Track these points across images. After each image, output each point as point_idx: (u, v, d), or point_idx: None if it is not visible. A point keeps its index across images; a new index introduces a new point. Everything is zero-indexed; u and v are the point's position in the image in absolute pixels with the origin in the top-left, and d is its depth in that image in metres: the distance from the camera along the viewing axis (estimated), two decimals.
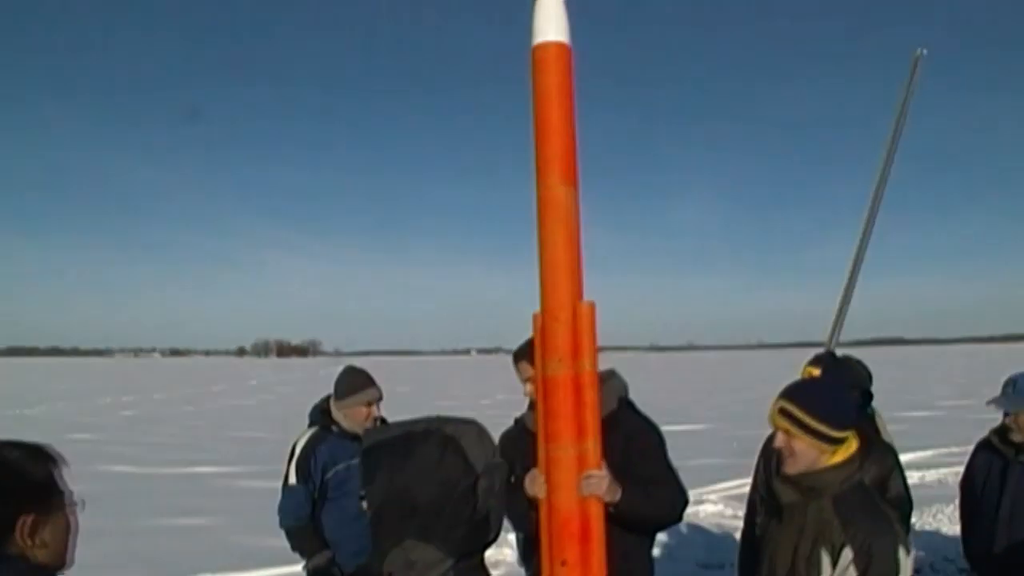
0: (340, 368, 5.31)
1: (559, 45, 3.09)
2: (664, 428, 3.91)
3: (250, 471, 15.97)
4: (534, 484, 3.27)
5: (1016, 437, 4.47)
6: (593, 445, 3.12)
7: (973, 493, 4.71)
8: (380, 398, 5.10)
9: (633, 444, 3.62)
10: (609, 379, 3.71)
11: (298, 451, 5.02)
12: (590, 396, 3.09)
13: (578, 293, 3.11)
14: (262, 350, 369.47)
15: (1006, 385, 4.51)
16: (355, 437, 4.94)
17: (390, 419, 4.76)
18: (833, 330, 6.77)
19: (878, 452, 4.30)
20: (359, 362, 6.15)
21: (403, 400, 34.15)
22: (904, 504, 4.32)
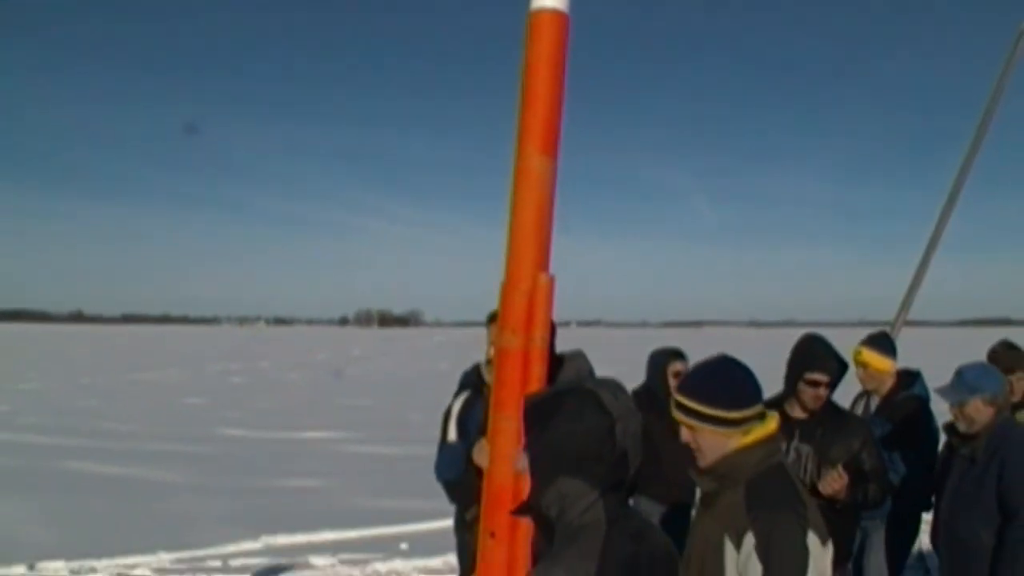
0: (441, 339, 5.58)
1: (555, 13, 2.98)
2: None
3: (355, 437, 16.58)
4: (480, 453, 3.32)
5: (961, 427, 4.43)
6: None
7: (937, 490, 4.73)
8: None
9: None
10: (573, 359, 3.68)
11: (455, 411, 5.26)
12: (538, 370, 3.02)
13: (543, 265, 3.03)
14: (364, 320, 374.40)
15: (955, 375, 4.45)
16: None
17: None
18: (900, 311, 6.68)
19: (848, 430, 4.51)
20: (459, 333, 6.41)
21: None
22: (884, 476, 4.56)
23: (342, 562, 8.04)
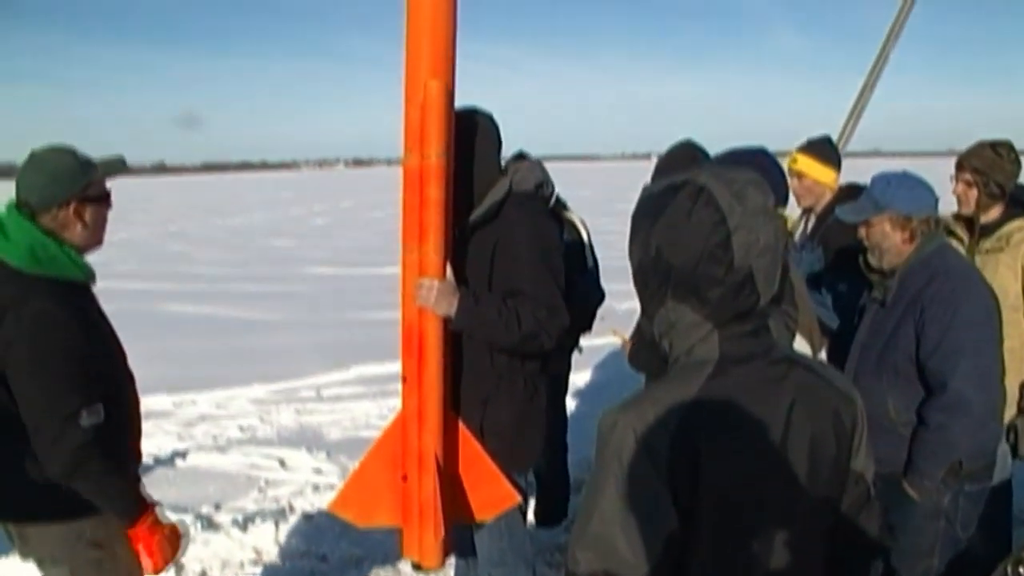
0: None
1: None
2: None
3: None
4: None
5: (872, 260, 3.38)
6: (434, 250, 2.80)
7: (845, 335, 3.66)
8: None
9: (502, 246, 3.05)
10: (512, 172, 3.19)
11: None
12: (434, 192, 2.74)
13: (437, 72, 2.72)
14: None
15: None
16: None
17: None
18: (845, 127, 6.22)
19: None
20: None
21: (585, 203, 34.55)
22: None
23: None
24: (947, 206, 4.08)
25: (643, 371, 3.50)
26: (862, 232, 3.38)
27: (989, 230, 3.92)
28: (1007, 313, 3.63)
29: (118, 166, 2.85)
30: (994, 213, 3.94)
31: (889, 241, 3.30)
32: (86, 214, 2.72)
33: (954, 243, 3.95)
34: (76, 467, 2.59)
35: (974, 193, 3.93)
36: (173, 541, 2.86)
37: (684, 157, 3.68)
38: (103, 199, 2.80)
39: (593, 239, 4.71)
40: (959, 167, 3.99)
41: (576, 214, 4.78)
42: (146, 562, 2.79)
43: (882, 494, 3.08)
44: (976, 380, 3.09)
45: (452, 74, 2.78)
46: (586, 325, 4.54)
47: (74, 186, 2.68)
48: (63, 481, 2.61)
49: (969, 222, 3.99)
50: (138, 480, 2.92)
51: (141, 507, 2.78)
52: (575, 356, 4.85)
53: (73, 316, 2.65)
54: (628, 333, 3.67)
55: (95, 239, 2.81)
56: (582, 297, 4.19)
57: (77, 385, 2.61)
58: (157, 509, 2.85)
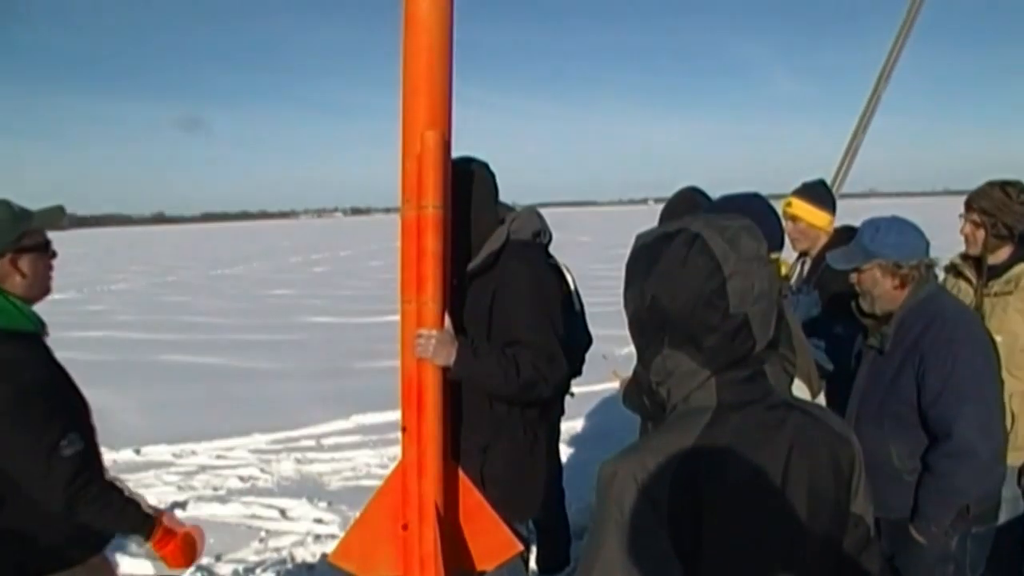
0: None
1: None
2: None
3: None
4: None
5: (864, 305, 3.39)
6: (432, 300, 2.82)
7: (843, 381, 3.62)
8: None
9: (500, 295, 3.09)
10: (509, 220, 3.21)
11: None
12: (431, 243, 2.75)
13: (434, 123, 2.73)
14: None
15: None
16: None
17: (572, 267, 4.92)
18: (839, 170, 6.29)
19: None
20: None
21: (584, 248, 34.79)
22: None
23: None
24: (955, 245, 4.11)
25: (636, 412, 3.51)
26: (854, 278, 3.39)
27: (998, 271, 3.91)
28: (1016, 356, 3.66)
29: (56, 216, 2.89)
30: (1003, 254, 3.93)
31: (880, 288, 3.31)
32: (22, 264, 2.74)
33: (962, 284, 4.00)
34: (76, 495, 2.63)
35: (982, 234, 3.93)
36: (189, 546, 2.95)
37: (686, 203, 3.72)
38: (41, 248, 2.82)
39: (592, 284, 4.72)
40: (967, 207, 3.99)
41: (561, 260, 4.82)
42: (169, 565, 2.91)
43: (890, 540, 3.11)
44: (980, 426, 3.07)
45: (449, 124, 2.81)
46: (576, 369, 4.57)
47: (6, 237, 2.71)
48: (70, 513, 2.64)
49: (977, 262, 4.00)
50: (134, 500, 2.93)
51: (149, 521, 2.86)
52: (567, 400, 4.86)
53: (26, 361, 2.68)
54: (628, 374, 3.70)
55: (39, 289, 2.83)
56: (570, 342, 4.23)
57: (50, 420, 2.64)
58: (167, 517, 2.94)
